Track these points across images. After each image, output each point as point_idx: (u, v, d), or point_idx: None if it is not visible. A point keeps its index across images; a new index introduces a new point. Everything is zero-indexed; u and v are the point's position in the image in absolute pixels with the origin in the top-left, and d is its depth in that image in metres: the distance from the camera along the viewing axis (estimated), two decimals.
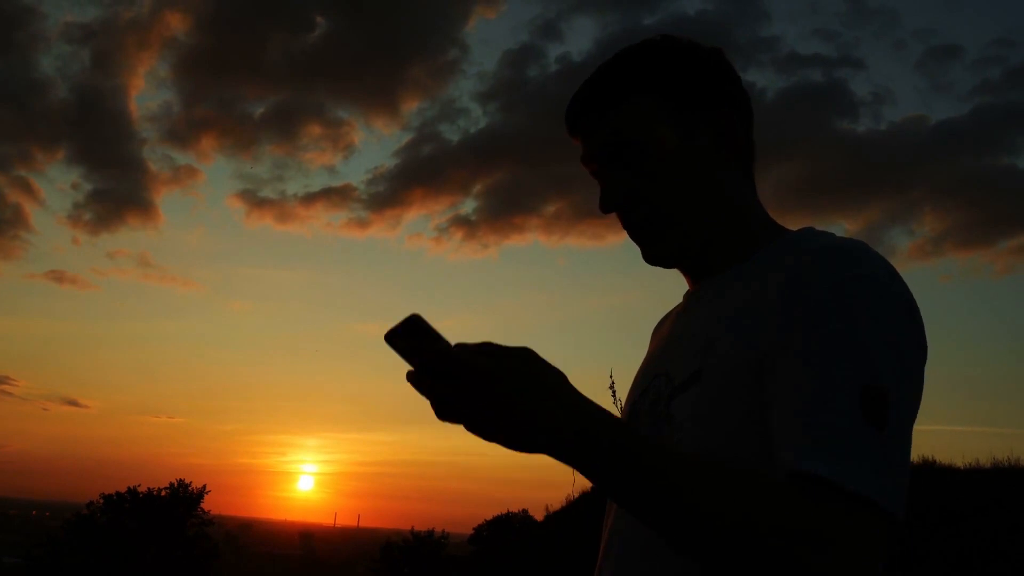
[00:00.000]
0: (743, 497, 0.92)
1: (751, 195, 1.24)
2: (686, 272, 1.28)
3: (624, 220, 1.23)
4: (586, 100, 1.23)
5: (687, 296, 1.29)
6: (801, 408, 0.96)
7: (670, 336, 1.27)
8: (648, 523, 0.96)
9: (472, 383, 0.92)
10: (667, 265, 1.25)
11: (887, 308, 1.00)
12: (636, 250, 1.25)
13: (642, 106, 1.19)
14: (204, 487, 35.47)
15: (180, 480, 34.98)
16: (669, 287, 1.27)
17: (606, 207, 1.22)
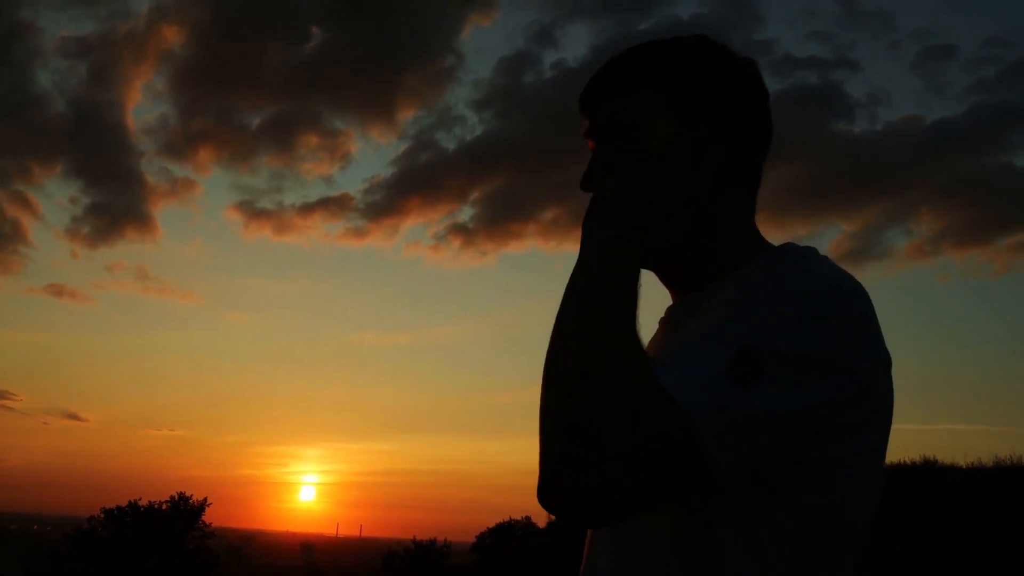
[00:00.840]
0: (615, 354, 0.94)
1: (745, 212, 1.19)
2: (661, 279, 1.22)
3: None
4: (598, 81, 1.20)
5: (667, 314, 1.25)
6: (680, 351, 0.99)
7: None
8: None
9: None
10: None
11: (813, 298, 0.99)
12: None
13: (647, 96, 1.15)
14: (205, 500, 35.30)
15: (181, 493, 34.91)
16: (665, 295, 1.26)
17: (585, 183, 1.18)
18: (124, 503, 34.06)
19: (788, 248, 1.14)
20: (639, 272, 1.04)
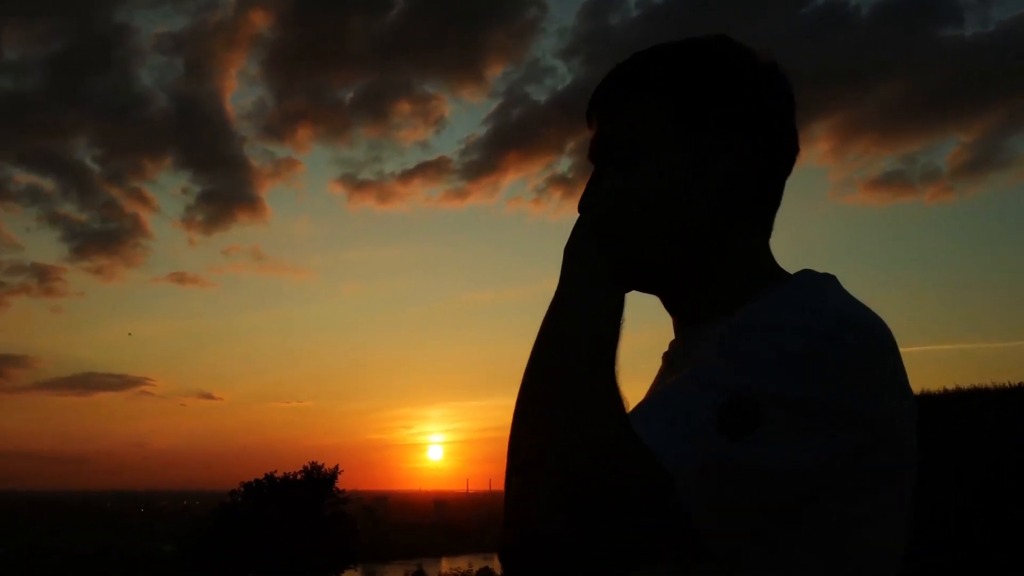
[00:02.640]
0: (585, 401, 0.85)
1: (757, 236, 1.05)
2: (666, 307, 1.09)
3: None
4: (601, 92, 1.08)
5: (670, 348, 1.12)
6: (666, 395, 0.88)
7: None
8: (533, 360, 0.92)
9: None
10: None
11: (818, 341, 0.85)
12: None
13: (647, 108, 1.02)
14: (336, 467, 36.86)
15: (313, 463, 36.30)
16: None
17: (581, 206, 1.06)
18: (262, 476, 35.76)
19: (803, 277, 0.99)
20: (621, 305, 0.96)
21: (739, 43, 1.05)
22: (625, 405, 0.87)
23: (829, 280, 0.97)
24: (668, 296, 1.07)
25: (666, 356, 1.12)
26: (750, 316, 0.92)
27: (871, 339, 0.87)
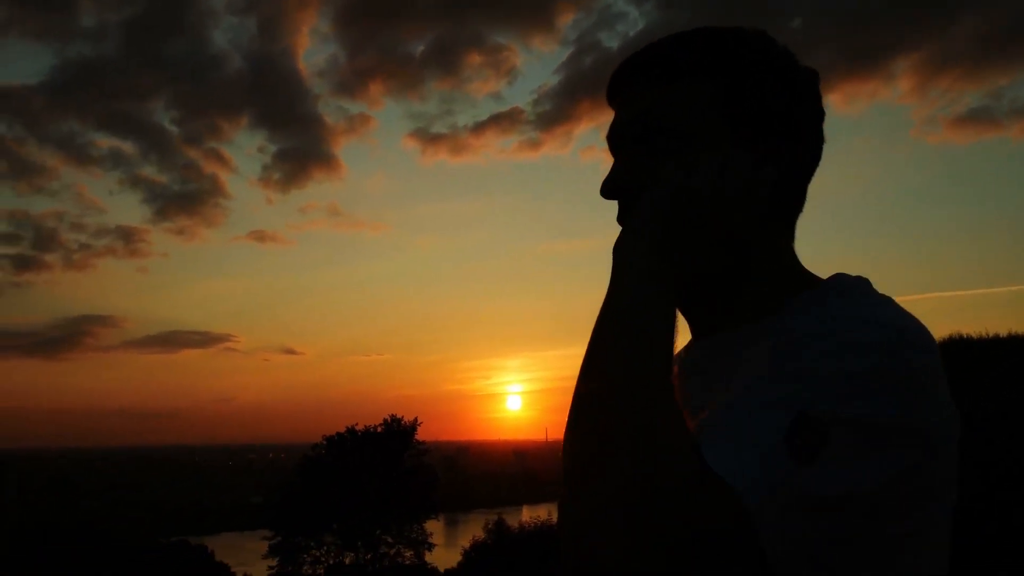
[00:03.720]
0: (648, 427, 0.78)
1: (786, 241, 1.00)
2: (684, 316, 1.01)
3: (621, 217, 1.00)
4: (638, 66, 0.99)
5: (688, 353, 1.04)
6: (728, 416, 0.84)
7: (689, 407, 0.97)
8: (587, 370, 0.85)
9: None
10: None
11: (876, 359, 0.80)
12: None
13: (701, 92, 0.95)
14: (415, 420, 37.15)
15: (393, 415, 36.78)
16: None
17: (607, 190, 0.99)
18: (343, 428, 36.14)
19: (838, 283, 0.94)
20: (676, 315, 0.89)
21: (777, 41, 1.00)
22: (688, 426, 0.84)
23: (864, 284, 0.93)
24: (698, 308, 1.00)
25: (687, 363, 1.02)
26: (797, 325, 0.86)
27: (927, 353, 0.83)
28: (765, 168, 0.93)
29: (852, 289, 0.91)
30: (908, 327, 0.83)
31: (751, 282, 0.96)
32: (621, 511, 0.75)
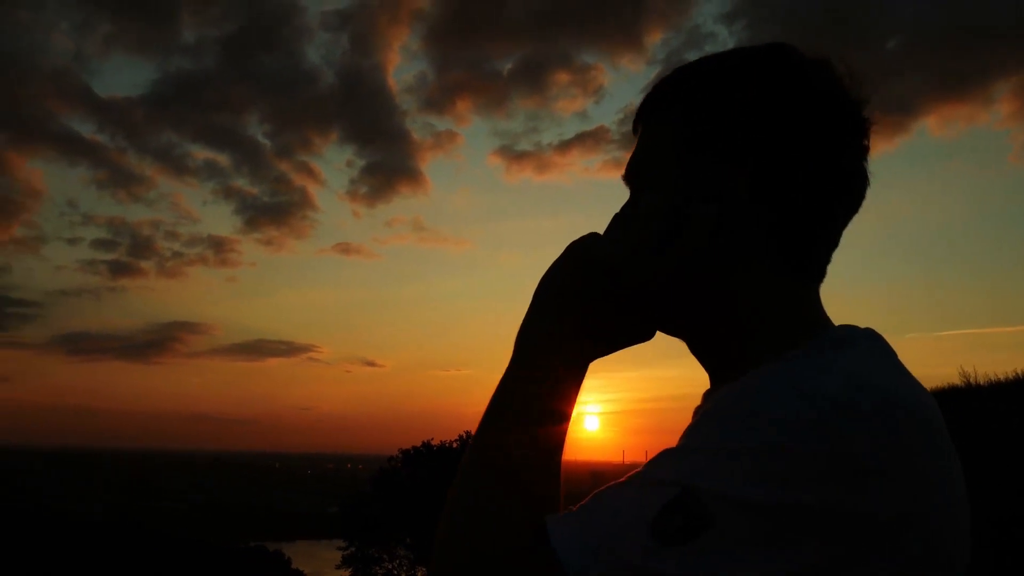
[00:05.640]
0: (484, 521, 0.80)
1: (793, 287, 0.87)
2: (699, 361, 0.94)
3: None
4: (643, 103, 0.94)
5: (703, 400, 0.93)
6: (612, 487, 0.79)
7: None
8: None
9: None
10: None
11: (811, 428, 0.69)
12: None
13: (667, 132, 0.89)
14: None
15: (468, 432, 36.74)
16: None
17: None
18: (419, 442, 36.33)
19: (834, 335, 0.82)
20: (581, 364, 0.90)
21: (799, 58, 0.87)
22: (554, 504, 0.83)
23: (860, 340, 0.81)
24: (695, 353, 0.92)
25: (696, 413, 0.89)
26: (738, 390, 0.77)
27: (882, 424, 0.69)
28: (697, 206, 0.84)
29: (835, 346, 0.79)
30: (859, 393, 0.70)
31: (747, 329, 0.86)
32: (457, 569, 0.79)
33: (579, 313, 0.89)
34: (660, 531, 0.69)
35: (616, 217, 0.94)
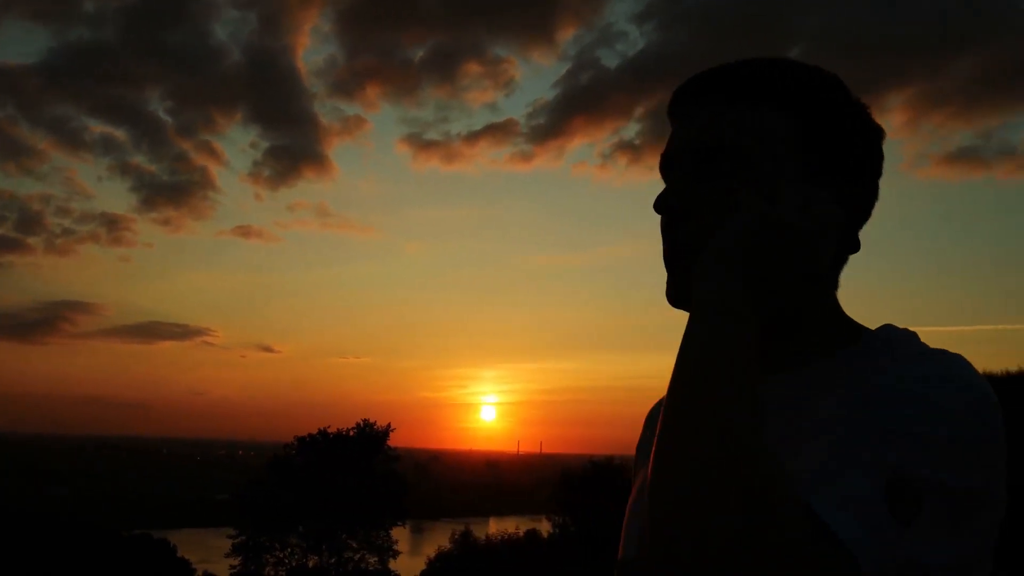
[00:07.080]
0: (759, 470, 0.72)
1: (834, 288, 0.99)
2: None
3: (668, 233, 0.98)
4: (710, 82, 0.97)
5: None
6: (813, 464, 0.78)
7: None
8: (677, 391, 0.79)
9: None
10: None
11: (970, 411, 0.80)
12: None
13: (777, 123, 0.93)
14: (388, 426, 36.89)
15: (366, 420, 36.57)
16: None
17: (661, 205, 0.97)
18: (316, 430, 35.91)
19: (893, 335, 0.93)
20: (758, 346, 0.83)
21: (851, 91, 0.99)
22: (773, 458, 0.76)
23: (917, 338, 0.92)
24: (770, 330, 0.93)
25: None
26: (885, 383, 0.84)
27: (999, 416, 0.83)
28: (838, 211, 0.90)
29: (912, 343, 0.91)
30: (985, 386, 0.83)
31: (804, 324, 0.96)
32: (723, 556, 0.68)
33: (765, 277, 0.86)
34: (895, 510, 0.74)
35: (730, 189, 0.92)
